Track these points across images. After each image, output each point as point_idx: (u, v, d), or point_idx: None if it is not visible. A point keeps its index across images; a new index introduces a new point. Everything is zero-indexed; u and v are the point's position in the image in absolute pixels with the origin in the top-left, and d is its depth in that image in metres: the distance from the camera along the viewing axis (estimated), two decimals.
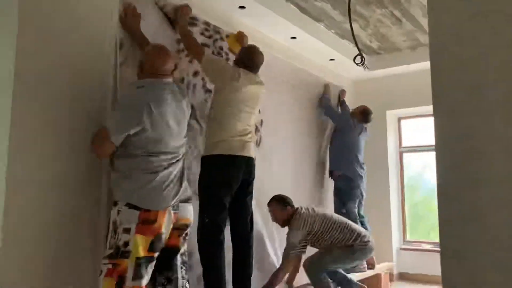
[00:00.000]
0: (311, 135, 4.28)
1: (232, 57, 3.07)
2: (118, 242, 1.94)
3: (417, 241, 5.10)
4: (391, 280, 4.62)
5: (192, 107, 2.82)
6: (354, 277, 3.79)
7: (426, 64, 1.37)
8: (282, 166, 3.80)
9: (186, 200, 2.19)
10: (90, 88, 2.27)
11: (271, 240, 3.49)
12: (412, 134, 5.36)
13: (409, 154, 5.35)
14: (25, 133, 1.99)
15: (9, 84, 1.95)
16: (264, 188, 3.30)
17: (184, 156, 2.26)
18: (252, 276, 2.71)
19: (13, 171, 1.92)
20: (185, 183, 2.18)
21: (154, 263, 2.03)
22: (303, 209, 3.29)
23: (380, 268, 4.43)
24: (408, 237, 5.17)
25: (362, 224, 4.05)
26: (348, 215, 3.90)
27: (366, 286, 3.57)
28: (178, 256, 2.18)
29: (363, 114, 4.36)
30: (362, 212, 4.27)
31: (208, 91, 2.99)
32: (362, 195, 4.27)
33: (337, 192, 4.21)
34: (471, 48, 1.15)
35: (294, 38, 3.89)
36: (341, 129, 4.36)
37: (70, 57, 2.18)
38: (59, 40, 2.14)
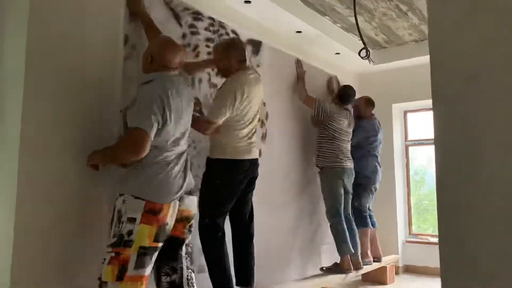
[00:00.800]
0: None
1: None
2: (122, 231, 1.96)
3: (423, 234, 5.11)
4: (396, 272, 4.65)
5: (198, 100, 2.86)
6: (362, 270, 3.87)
7: None
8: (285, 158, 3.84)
9: (190, 192, 2.22)
10: (99, 82, 2.30)
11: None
12: (418, 128, 5.36)
13: (415, 148, 5.35)
14: (35, 128, 2.02)
15: (20, 81, 1.99)
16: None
17: (188, 149, 2.29)
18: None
19: (24, 167, 1.96)
20: (189, 176, 2.22)
21: (157, 253, 2.05)
22: None
23: (386, 260, 4.46)
24: (413, 230, 5.18)
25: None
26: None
27: None
28: (183, 247, 2.22)
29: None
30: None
31: (213, 85, 3.02)
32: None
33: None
34: (470, 39, 1.17)
35: (299, 32, 3.90)
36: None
37: (77, 53, 2.20)
38: (67, 37, 2.16)
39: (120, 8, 2.43)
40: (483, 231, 1.05)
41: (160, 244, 2.05)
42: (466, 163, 1.11)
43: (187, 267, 2.21)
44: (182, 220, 2.18)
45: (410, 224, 5.19)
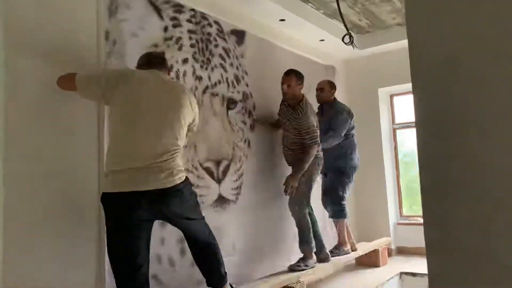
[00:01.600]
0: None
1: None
2: None
3: (414, 215, 5.18)
4: (389, 254, 4.72)
5: None
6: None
7: None
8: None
9: None
10: None
11: None
12: (405, 111, 5.39)
13: (403, 131, 5.39)
14: (19, 125, 2.02)
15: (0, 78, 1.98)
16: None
17: None
18: None
19: (10, 165, 1.95)
20: None
21: None
22: None
23: (379, 243, 4.52)
24: (404, 212, 5.25)
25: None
26: None
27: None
28: None
29: None
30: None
31: (198, 78, 3.01)
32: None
33: None
34: (448, 22, 1.17)
35: (283, 20, 3.89)
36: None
37: (58, 49, 2.20)
38: (47, 33, 2.15)
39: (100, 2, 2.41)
40: (467, 212, 1.07)
41: None
42: (447, 145, 1.12)
43: None
44: None
45: (400, 206, 5.26)
